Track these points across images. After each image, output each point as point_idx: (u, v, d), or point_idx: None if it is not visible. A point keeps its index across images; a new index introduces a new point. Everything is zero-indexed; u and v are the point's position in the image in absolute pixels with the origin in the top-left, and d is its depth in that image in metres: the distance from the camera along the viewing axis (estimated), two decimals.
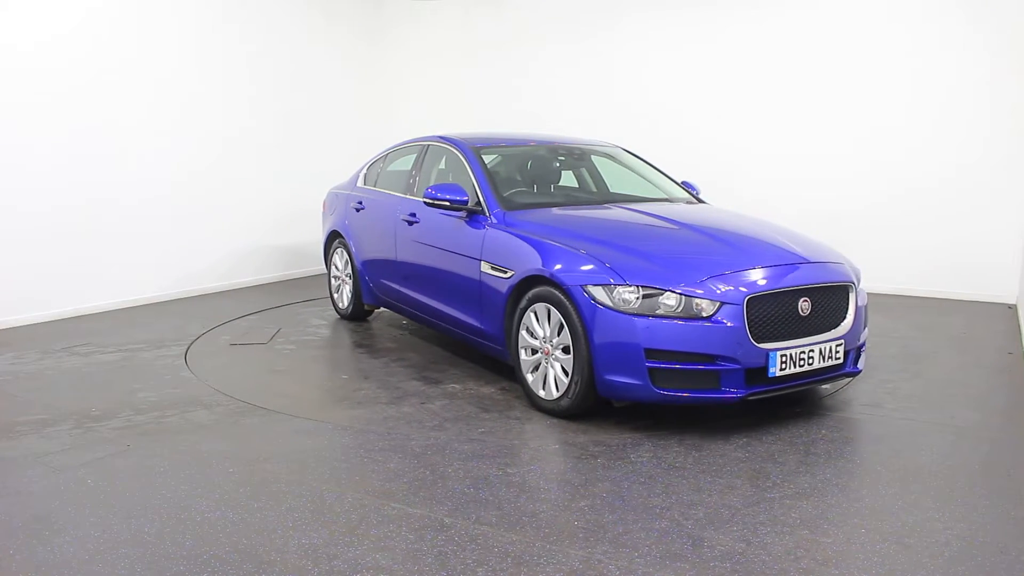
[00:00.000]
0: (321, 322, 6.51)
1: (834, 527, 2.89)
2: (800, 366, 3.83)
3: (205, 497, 3.13)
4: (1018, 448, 3.70)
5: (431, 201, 4.91)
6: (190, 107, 7.37)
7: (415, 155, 5.85)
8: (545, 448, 3.67)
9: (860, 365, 4.28)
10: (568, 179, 5.65)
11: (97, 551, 2.70)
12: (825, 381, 4.07)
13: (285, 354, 5.52)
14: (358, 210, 6.23)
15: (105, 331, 5.98)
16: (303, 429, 3.92)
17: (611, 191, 5.58)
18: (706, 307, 3.70)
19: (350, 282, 6.36)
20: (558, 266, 4.03)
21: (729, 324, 3.68)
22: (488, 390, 4.57)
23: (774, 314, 3.81)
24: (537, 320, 4.14)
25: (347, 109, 9.32)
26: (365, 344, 5.81)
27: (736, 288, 3.75)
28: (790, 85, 7.76)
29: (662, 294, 3.72)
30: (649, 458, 3.54)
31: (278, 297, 7.55)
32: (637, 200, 5.21)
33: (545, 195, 5.24)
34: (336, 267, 6.60)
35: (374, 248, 5.97)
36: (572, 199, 5.28)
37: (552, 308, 4.02)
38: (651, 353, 3.69)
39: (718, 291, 3.73)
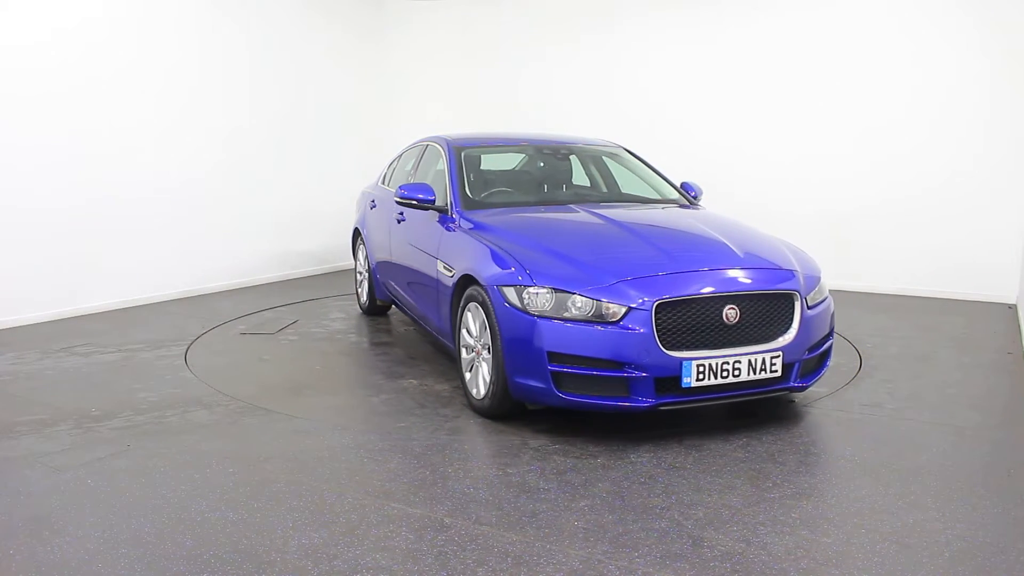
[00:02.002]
0: (340, 316, 6.64)
1: (834, 527, 2.89)
2: (723, 377, 3.61)
3: (205, 497, 3.13)
4: (1018, 448, 3.70)
5: (401, 200, 4.98)
6: (190, 107, 7.37)
7: (417, 154, 5.92)
8: (544, 448, 3.67)
9: (815, 378, 4.04)
10: (563, 178, 5.60)
11: (97, 551, 2.70)
12: (761, 395, 3.80)
13: (283, 345, 5.65)
14: (372, 208, 6.41)
15: (105, 331, 5.99)
16: (303, 429, 3.92)
17: (604, 191, 5.51)
18: (614, 311, 3.56)
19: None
20: (482, 266, 4.03)
21: (637, 330, 3.53)
22: (441, 387, 4.62)
23: (692, 321, 3.62)
24: (472, 319, 4.13)
25: (348, 109, 9.32)
26: (364, 338, 5.89)
27: (648, 292, 3.59)
28: (790, 86, 7.77)
29: (570, 296, 3.62)
30: (649, 458, 3.53)
31: (310, 291, 7.76)
32: (611, 201, 5.14)
33: (515, 196, 5.16)
34: (360, 262, 6.78)
35: (379, 245, 6.11)
36: (541, 200, 5.15)
37: (479, 307, 4.01)
38: (554, 356, 3.60)
39: (627, 295, 3.58)
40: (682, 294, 3.61)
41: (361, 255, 6.70)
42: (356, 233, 6.87)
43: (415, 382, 4.74)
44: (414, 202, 4.92)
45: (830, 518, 2.97)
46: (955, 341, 5.70)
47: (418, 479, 3.32)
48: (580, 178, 5.68)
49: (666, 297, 3.59)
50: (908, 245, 7.40)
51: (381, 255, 6.02)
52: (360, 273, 6.78)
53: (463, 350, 4.25)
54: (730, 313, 3.65)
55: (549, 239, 4.15)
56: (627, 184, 5.55)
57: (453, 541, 2.77)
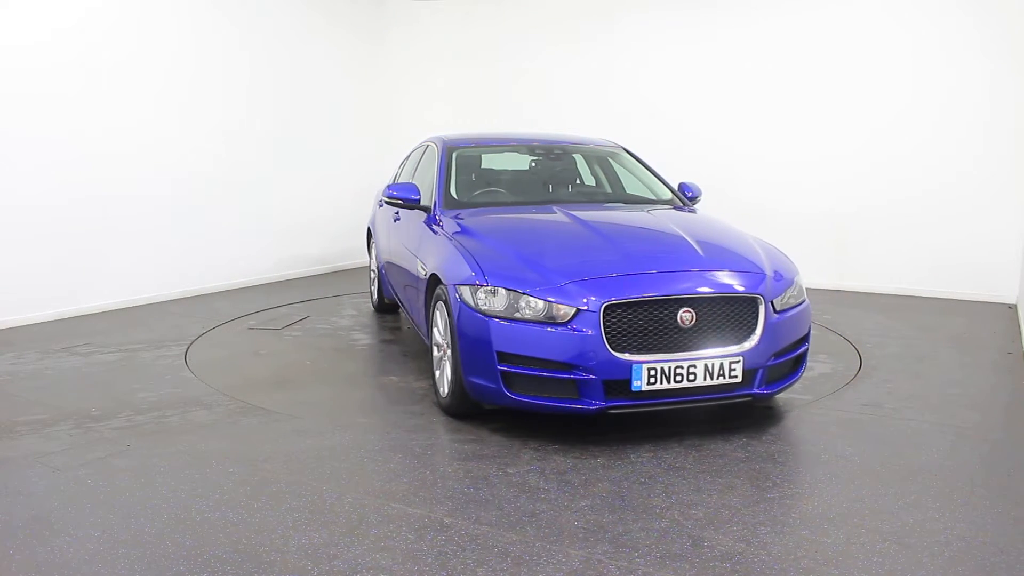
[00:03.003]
0: (351, 313, 6.74)
1: (834, 527, 2.89)
2: (677, 382, 3.53)
3: (205, 497, 3.13)
4: (1018, 448, 3.70)
5: (389, 199, 5.02)
6: (190, 107, 7.37)
7: (420, 154, 5.97)
8: (544, 448, 3.67)
9: (784, 384, 3.91)
10: (555, 179, 5.53)
11: (97, 551, 2.70)
12: (720, 401, 3.72)
13: (285, 340, 5.75)
14: (380, 207, 6.52)
15: (105, 331, 5.98)
16: (303, 429, 3.93)
17: (596, 192, 5.46)
18: (563, 312, 3.53)
19: None
20: (446, 265, 4.06)
21: (585, 332, 3.49)
22: (420, 384, 4.66)
23: (644, 324, 3.55)
24: (440, 318, 4.15)
25: (348, 109, 9.32)
26: (366, 335, 5.95)
27: (597, 293, 3.55)
28: (790, 87, 7.77)
29: (522, 297, 3.61)
30: (649, 458, 3.53)
31: (331, 288, 7.90)
32: (600, 203, 5.11)
33: (500, 196, 5.15)
34: (372, 260, 6.91)
35: (383, 244, 6.20)
36: (527, 200, 5.09)
37: (444, 306, 4.03)
38: (504, 356, 3.60)
39: (576, 296, 3.55)
40: (632, 296, 3.55)
41: (373, 253, 6.82)
42: (369, 232, 6.99)
43: (396, 379, 4.79)
44: (400, 201, 4.96)
45: (830, 518, 2.96)
46: (955, 341, 5.70)
47: (418, 479, 3.32)
48: (573, 178, 5.63)
49: (614, 299, 3.53)
50: (908, 245, 7.40)
51: (384, 254, 6.11)
52: (373, 271, 6.88)
53: (434, 348, 4.27)
54: (685, 316, 3.57)
55: (514, 239, 4.15)
56: (622, 185, 5.51)
57: (453, 541, 2.77)
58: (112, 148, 6.71)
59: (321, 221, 8.95)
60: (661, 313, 3.57)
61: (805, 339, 4.05)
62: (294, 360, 5.25)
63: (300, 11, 8.60)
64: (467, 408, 3.98)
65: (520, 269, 3.77)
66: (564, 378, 3.54)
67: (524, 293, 3.62)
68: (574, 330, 3.51)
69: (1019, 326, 6.08)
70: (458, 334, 3.79)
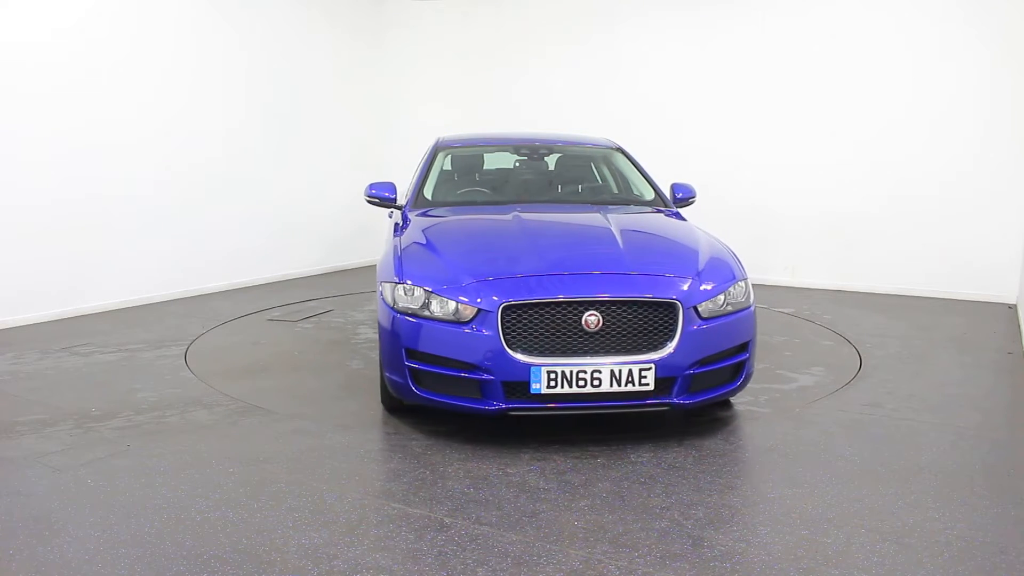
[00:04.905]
0: (374, 309, 6.76)
1: (834, 527, 2.89)
2: (580, 387, 3.45)
3: (205, 497, 3.13)
4: (1018, 448, 3.70)
5: (369, 198, 5.05)
6: (189, 106, 7.36)
7: (424, 153, 5.98)
8: (544, 448, 3.67)
9: (713, 394, 3.72)
10: (540, 178, 5.49)
11: (97, 551, 2.70)
12: (629, 408, 3.57)
13: (292, 332, 5.91)
14: None
15: (105, 331, 5.98)
16: (303, 429, 3.93)
17: (580, 192, 5.40)
18: (468, 312, 3.54)
19: None
20: (381, 263, 4.18)
21: (485, 332, 3.49)
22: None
23: (545, 326, 3.49)
24: None
25: (347, 109, 9.32)
26: (374, 329, 5.97)
27: (497, 294, 3.52)
28: (790, 88, 7.77)
29: (429, 295, 3.64)
30: (649, 458, 3.53)
31: (368, 283, 8.03)
32: (569, 203, 5.08)
33: (474, 196, 5.14)
34: None
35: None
36: (494, 199, 5.02)
37: None
38: (412, 353, 3.66)
39: (476, 296, 3.55)
40: (531, 297, 3.50)
41: None
42: None
43: (369, 373, 4.87)
44: (377, 200, 4.99)
45: (830, 518, 2.97)
46: (955, 341, 5.70)
47: (418, 479, 3.32)
48: (555, 179, 5.52)
49: (513, 300, 3.49)
50: (908, 246, 7.40)
51: None
52: None
53: None
54: (590, 320, 3.48)
55: (450, 240, 4.17)
56: (605, 186, 5.42)
57: (453, 541, 2.77)
58: (112, 148, 6.70)
59: (323, 221, 8.94)
60: (565, 315, 3.50)
61: (746, 347, 3.83)
62: (284, 351, 5.40)
63: (299, 11, 8.59)
64: (393, 403, 4.07)
65: (438, 269, 3.81)
66: (467, 377, 3.57)
67: (434, 292, 3.65)
68: (475, 330, 3.52)
69: (1019, 326, 6.09)
70: (380, 330, 3.91)
